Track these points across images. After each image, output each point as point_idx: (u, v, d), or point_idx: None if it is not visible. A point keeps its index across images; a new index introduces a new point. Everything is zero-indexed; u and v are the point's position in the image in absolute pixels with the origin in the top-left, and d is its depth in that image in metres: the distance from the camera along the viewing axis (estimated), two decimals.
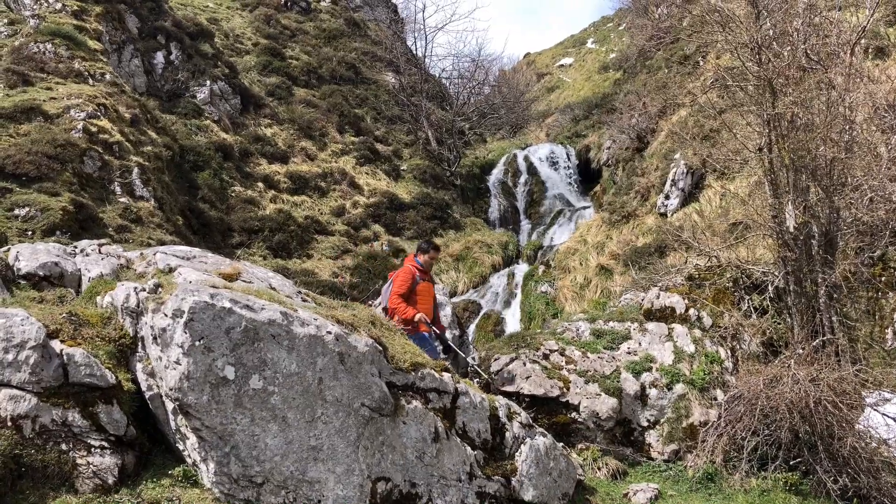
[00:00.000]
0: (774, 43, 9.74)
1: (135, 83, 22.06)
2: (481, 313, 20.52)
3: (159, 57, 23.88)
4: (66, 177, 13.93)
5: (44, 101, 15.79)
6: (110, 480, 5.14)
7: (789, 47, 9.70)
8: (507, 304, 21.02)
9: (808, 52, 9.81)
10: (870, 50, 16.53)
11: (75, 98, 16.24)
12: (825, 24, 10.38)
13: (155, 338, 5.41)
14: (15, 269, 6.64)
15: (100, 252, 7.18)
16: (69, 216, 12.92)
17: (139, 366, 5.69)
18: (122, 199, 15.03)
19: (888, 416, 8.33)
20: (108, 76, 18.66)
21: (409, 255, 8.96)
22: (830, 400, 7.73)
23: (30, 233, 12.17)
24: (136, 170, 15.83)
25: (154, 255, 6.75)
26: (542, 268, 21.87)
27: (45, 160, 13.81)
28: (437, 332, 8.68)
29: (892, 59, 16.55)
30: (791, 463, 8.00)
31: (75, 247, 7.37)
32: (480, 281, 22.72)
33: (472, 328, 19.13)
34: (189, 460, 5.54)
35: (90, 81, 17.86)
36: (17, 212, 12.66)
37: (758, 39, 9.54)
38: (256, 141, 24.74)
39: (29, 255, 6.66)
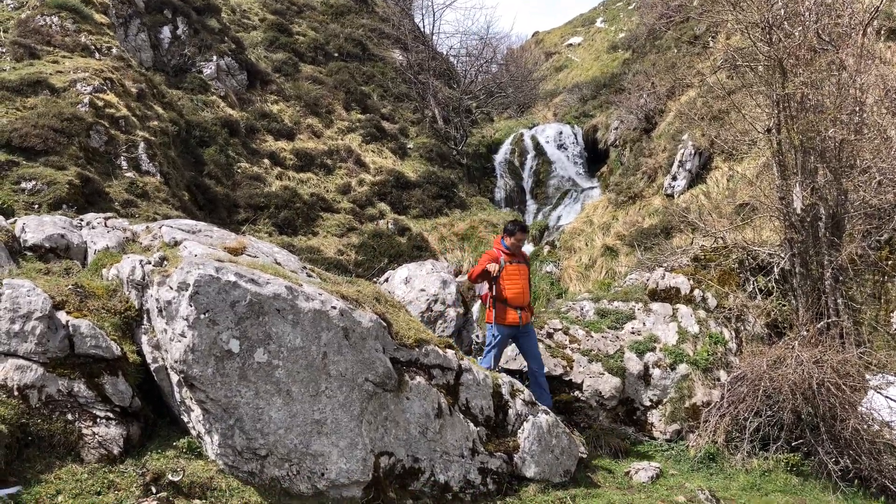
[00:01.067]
0: (786, 23, 9.64)
1: (141, 57, 21.98)
2: None
3: (166, 31, 23.77)
4: (72, 151, 13.92)
5: (50, 74, 15.75)
6: (115, 451, 5.19)
7: (800, 27, 9.59)
8: None
9: (820, 32, 9.70)
10: (882, 31, 16.35)
11: (82, 72, 16.19)
12: (837, 3, 10.25)
13: (160, 310, 5.44)
14: (21, 240, 6.67)
15: (105, 225, 7.20)
16: (75, 190, 12.93)
17: (144, 338, 5.72)
18: (129, 174, 15.03)
19: (891, 399, 8.32)
20: (114, 50, 18.59)
21: (497, 237, 8.57)
22: (834, 382, 7.73)
23: (36, 206, 12.19)
24: (142, 144, 15.82)
25: (160, 228, 6.77)
26: (547, 248, 21.86)
27: (51, 134, 13.79)
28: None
29: None
30: (793, 444, 8.02)
31: (81, 219, 7.39)
32: None
33: (476, 307, 19.14)
34: (193, 432, 5.58)
35: (96, 55, 17.80)
36: (23, 185, 12.67)
37: (769, 19, 9.43)
38: (263, 117, 24.69)
39: (35, 227, 6.69)
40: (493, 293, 8.18)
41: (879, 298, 11.49)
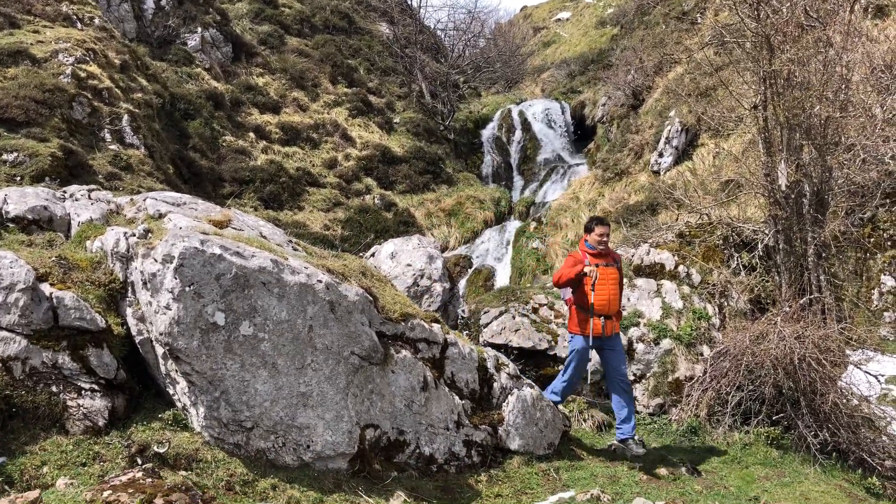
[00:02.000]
0: None
1: (124, 28, 21.67)
2: (472, 268, 20.60)
3: (149, 2, 23.42)
4: (54, 122, 13.75)
5: (31, 44, 15.50)
6: (100, 422, 5.20)
7: (788, 3, 9.58)
8: (499, 259, 21.09)
9: (808, 8, 9.70)
10: (870, 9, 16.36)
11: (63, 42, 15.94)
12: None
13: (145, 283, 5.41)
14: (3, 212, 6.59)
15: (89, 197, 7.14)
16: (58, 162, 12.78)
17: (129, 310, 5.70)
18: (112, 147, 14.87)
19: (870, 374, 8.45)
20: (96, 20, 18.31)
21: (581, 238, 7.59)
22: (815, 357, 7.83)
23: (18, 178, 12.05)
24: (126, 117, 15.64)
25: (144, 200, 6.72)
26: (533, 224, 21.90)
27: (32, 105, 13.61)
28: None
29: (891, 19, 16.40)
30: (773, 418, 8.13)
31: (65, 191, 7.32)
32: (472, 236, 22.75)
33: (463, 282, 19.24)
34: (179, 404, 5.59)
35: (78, 25, 17.52)
36: (4, 157, 12.51)
37: None
38: (248, 90, 24.43)
39: (18, 199, 6.62)
40: (576, 299, 7.26)
41: (861, 275, 11.63)
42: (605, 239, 7.28)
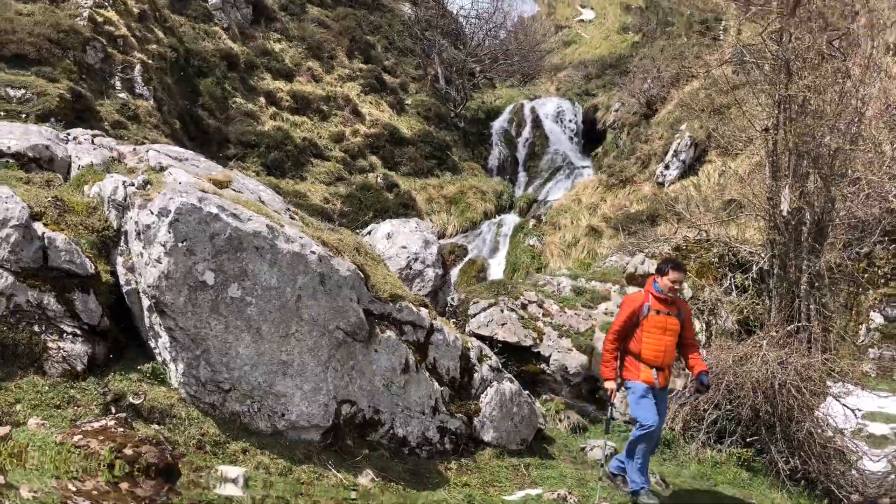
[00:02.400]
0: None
1: None
2: (467, 258, 20.59)
3: None
4: (66, 64, 13.65)
5: None
6: (79, 367, 5.19)
7: (810, 33, 9.54)
8: (494, 252, 21.09)
9: (830, 38, 9.67)
10: (892, 46, 16.31)
11: None
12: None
13: (138, 233, 5.40)
14: (4, 147, 6.56)
15: (93, 142, 7.11)
16: (66, 104, 12.70)
17: (120, 259, 5.69)
18: (121, 95, 14.80)
19: (848, 407, 8.49)
20: None
21: (650, 278, 6.73)
22: (795, 384, 7.86)
23: (24, 115, 11.98)
24: (138, 67, 15.55)
25: (147, 152, 6.69)
26: (532, 221, 21.90)
27: (46, 44, 13.51)
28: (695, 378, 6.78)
29: None
30: (747, 440, 8.17)
31: (68, 134, 7.30)
32: (470, 226, 22.72)
33: (455, 271, 19.22)
34: (159, 358, 5.59)
35: None
36: (12, 93, 12.43)
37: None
38: (263, 54, 24.29)
39: (20, 135, 6.58)
40: (629, 345, 6.51)
41: (851, 309, 11.66)
42: (677, 287, 6.46)
